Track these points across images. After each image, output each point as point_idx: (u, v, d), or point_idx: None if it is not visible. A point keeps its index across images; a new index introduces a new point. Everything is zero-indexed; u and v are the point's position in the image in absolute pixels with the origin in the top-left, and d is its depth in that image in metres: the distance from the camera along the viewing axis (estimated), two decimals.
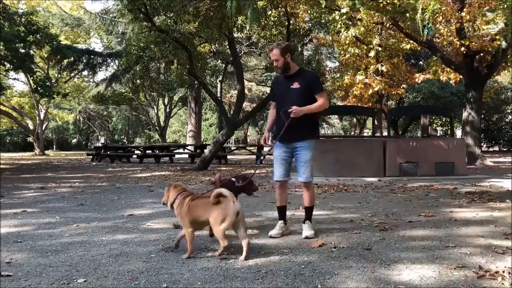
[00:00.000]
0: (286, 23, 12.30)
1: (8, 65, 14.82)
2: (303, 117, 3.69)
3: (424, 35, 8.56)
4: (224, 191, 3.02)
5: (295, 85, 3.73)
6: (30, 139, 36.16)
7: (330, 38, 17.38)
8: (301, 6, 13.31)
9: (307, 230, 3.66)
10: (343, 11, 11.47)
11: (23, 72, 17.85)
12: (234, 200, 2.97)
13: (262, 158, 13.39)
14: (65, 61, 21.84)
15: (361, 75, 17.85)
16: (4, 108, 28.52)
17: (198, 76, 13.22)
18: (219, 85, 27.64)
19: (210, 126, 46.78)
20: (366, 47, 16.15)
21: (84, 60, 23.40)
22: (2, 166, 15.69)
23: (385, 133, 18.69)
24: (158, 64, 18.31)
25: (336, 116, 41.48)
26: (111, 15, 22.32)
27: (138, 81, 20.57)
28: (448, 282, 2.48)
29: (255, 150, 17.65)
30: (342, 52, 17.38)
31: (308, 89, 3.72)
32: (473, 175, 9.64)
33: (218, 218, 2.92)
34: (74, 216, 4.73)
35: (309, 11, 13.42)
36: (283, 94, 3.81)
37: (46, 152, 32.22)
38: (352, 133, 40.10)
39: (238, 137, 45.24)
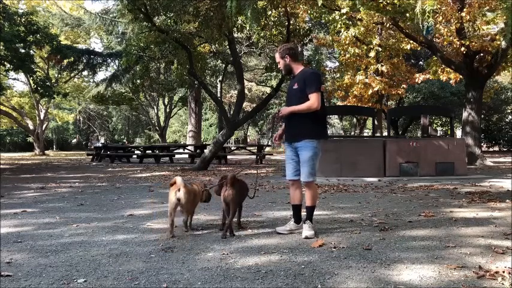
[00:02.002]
0: (286, 23, 12.29)
1: (8, 65, 14.80)
2: (299, 117, 3.73)
3: (424, 28, 8.55)
4: (177, 179, 3.67)
5: (295, 86, 3.79)
6: (30, 139, 36.16)
7: (330, 38, 17.34)
8: (301, 6, 13.30)
9: (307, 230, 3.66)
10: (343, 11, 11.46)
11: (23, 72, 17.83)
12: (181, 188, 3.59)
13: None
14: (65, 61, 21.81)
15: (361, 75, 17.86)
16: (4, 108, 28.50)
17: (198, 76, 13.21)
18: (219, 85, 27.65)
19: (210, 126, 46.81)
20: (366, 47, 16.14)
21: (84, 60, 23.37)
22: (2, 166, 15.69)
23: (385, 133, 18.69)
24: (158, 64, 18.30)
25: (336, 116, 41.49)
26: (111, 15, 22.31)
27: (138, 81, 20.55)
28: (448, 282, 2.48)
29: (255, 150, 17.66)
30: (342, 52, 17.37)
31: (304, 88, 3.71)
32: (473, 175, 9.64)
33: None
34: (74, 216, 4.73)
35: (309, 11, 13.40)
36: (288, 95, 3.97)
37: (46, 152, 32.22)
38: (352, 133, 40.10)
39: (238, 137, 45.26)
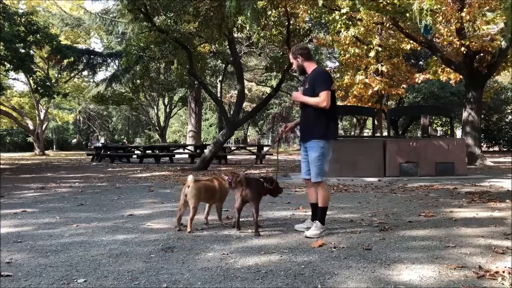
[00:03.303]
0: (286, 23, 12.29)
1: (8, 65, 14.80)
2: (309, 117, 3.77)
3: (422, 27, 8.52)
4: (188, 177, 3.88)
5: (306, 86, 3.83)
6: (30, 139, 36.14)
7: (330, 38, 17.34)
8: (301, 6, 13.30)
9: (311, 230, 3.67)
10: (343, 11, 11.46)
11: (23, 72, 17.83)
12: (189, 184, 3.82)
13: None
14: (65, 61, 21.82)
15: (361, 75, 17.85)
16: (4, 108, 28.49)
17: (198, 76, 13.21)
18: (219, 85, 27.66)
19: (210, 126, 46.80)
20: (366, 47, 16.14)
21: (84, 60, 23.38)
22: (2, 166, 15.69)
23: (385, 133, 18.68)
24: (158, 64, 18.31)
25: None
26: (111, 15, 22.32)
27: (138, 81, 20.56)
28: (448, 282, 2.48)
29: (255, 150, 17.66)
30: (342, 52, 17.36)
31: (314, 88, 3.73)
32: (473, 175, 9.64)
33: None
34: (74, 216, 4.73)
35: (309, 11, 13.39)
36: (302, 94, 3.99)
37: (46, 152, 32.20)
38: (352, 133, 40.10)
39: (238, 137, 45.25)
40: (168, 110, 34.01)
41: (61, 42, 18.25)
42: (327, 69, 24.44)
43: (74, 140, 51.85)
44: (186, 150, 18.78)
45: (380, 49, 16.04)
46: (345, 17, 11.64)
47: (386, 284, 2.45)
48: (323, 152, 3.72)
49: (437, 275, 2.61)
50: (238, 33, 14.56)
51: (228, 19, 9.65)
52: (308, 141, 3.79)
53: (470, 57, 13.44)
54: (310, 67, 3.87)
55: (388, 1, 10.36)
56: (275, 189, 4.05)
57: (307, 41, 13.60)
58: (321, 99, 3.65)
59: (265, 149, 18.34)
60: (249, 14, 8.28)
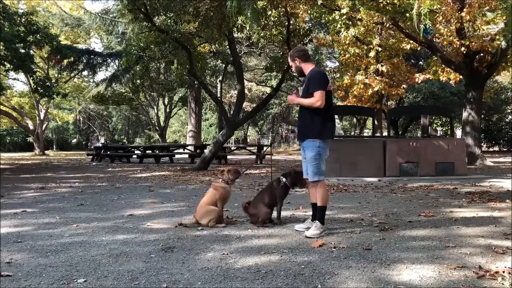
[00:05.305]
0: (286, 23, 12.28)
1: (8, 65, 14.80)
2: (305, 116, 3.81)
3: (421, 31, 8.55)
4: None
5: (304, 86, 3.87)
6: (30, 139, 36.14)
7: (330, 38, 17.35)
8: (301, 6, 13.30)
9: (311, 230, 3.67)
10: (343, 11, 11.45)
11: (23, 72, 17.83)
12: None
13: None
14: (65, 61, 21.81)
15: (361, 75, 17.85)
16: (4, 108, 28.50)
17: (198, 76, 13.21)
18: (219, 85, 27.66)
19: (210, 126, 46.79)
20: (366, 47, 16.13)
21: (84, 60, 23.37)
22: (2, 166, 15.69)
23: (385, 133, 18.68)
24: (158, 64, 18.31)
25: (336, 116, 41.35)
26: (111, 15, 22.33)
27: (138, 81, 20.56)
28: (448, 282, 2.48)
29: (255, 150, 17.65)
30: (342, 52, 17.36)
31: (309, 88, 3.76)
32: (473, 175, 9.64)
33: None
34: (74, 216, 4.73)
35: (309, 11, 13.39)
36: (301, 96, 4.02)
37: (46, 152, 32.21)
38: (352, 133, 40.10)
39: (238, 137, 45.24)
40: (168, 110, 34.01)
41: (61, 42, 18.25)
42: (327, 69, 24.47)
43: (74, 140, 51.86)
44: (186, 150, 18.77)
45: (380, 49, 16.03)
46: (345, 17, 11.63)
47: (386, 284, 2.45)
48: (319, 151, 3.73)
49: (437, 275, 2.61)
50: (238, 33, 14.54)
51: (229, 19, 9.66)
52: (304, 141, 3.82)
53: (470, 57, 13.44)
54: (307, 68, 3.90)
55: (388, 1, 10.36)
56: (300, 181, 4.13)
57: (307, 41, 13.55)
58: (315, 100, 3.67)
59: (267, 149, 18.29)
60: (249, 14, 8.29)
